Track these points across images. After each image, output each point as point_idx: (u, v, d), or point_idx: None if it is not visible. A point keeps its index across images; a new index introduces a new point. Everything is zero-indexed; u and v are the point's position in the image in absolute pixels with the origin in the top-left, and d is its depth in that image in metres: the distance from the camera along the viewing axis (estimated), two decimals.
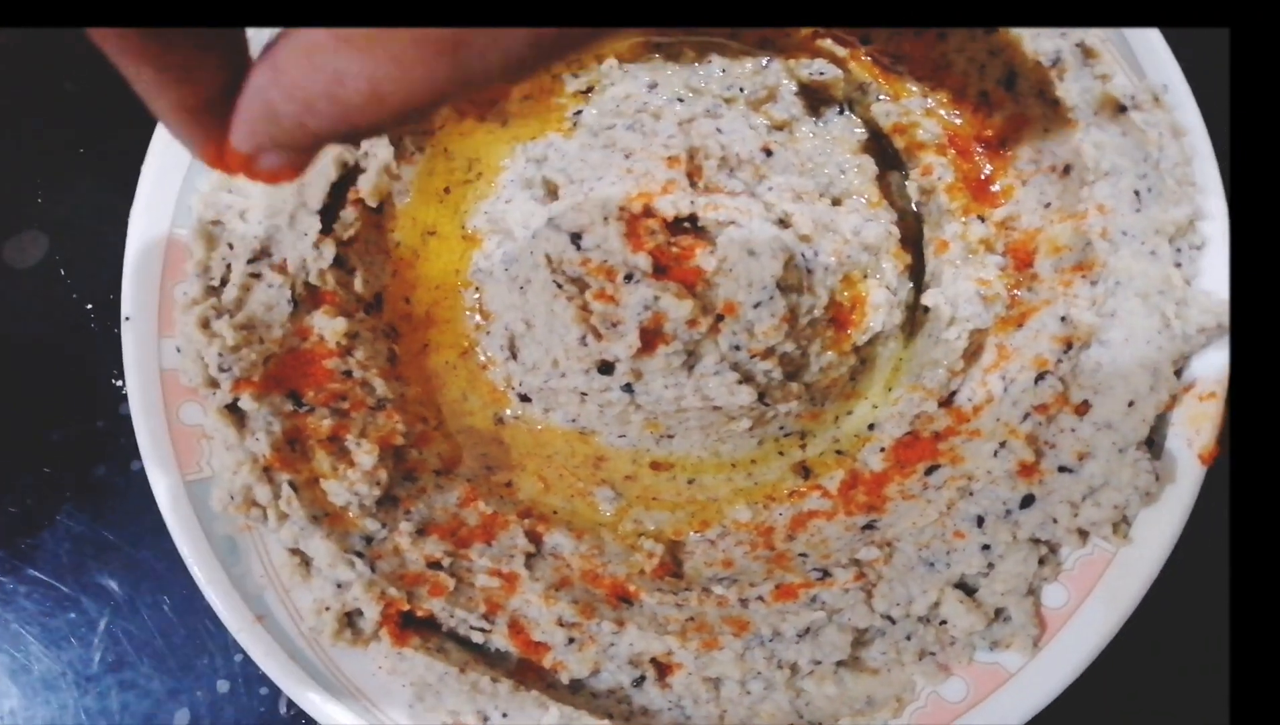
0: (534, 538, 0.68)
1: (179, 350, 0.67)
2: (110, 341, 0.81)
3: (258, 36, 0.36)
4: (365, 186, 0.70)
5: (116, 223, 0.69)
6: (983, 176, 0.69)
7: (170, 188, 0.70)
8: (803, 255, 0.64)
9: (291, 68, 0.32)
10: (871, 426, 0.70)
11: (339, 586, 0.64)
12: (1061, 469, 0.63)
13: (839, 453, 0.70)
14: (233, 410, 0.66)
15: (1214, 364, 0.63)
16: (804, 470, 0.71)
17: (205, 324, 0.66)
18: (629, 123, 0.71)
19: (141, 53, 0.33)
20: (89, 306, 0.83)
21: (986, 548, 0.62)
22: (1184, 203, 0.64)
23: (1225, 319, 0.62)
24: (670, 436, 0.70)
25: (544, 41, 0.30)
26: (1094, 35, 0.66)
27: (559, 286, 0.66)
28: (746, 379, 0.64)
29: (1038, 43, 0.67)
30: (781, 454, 0.71)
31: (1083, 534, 0.62)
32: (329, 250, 0.68)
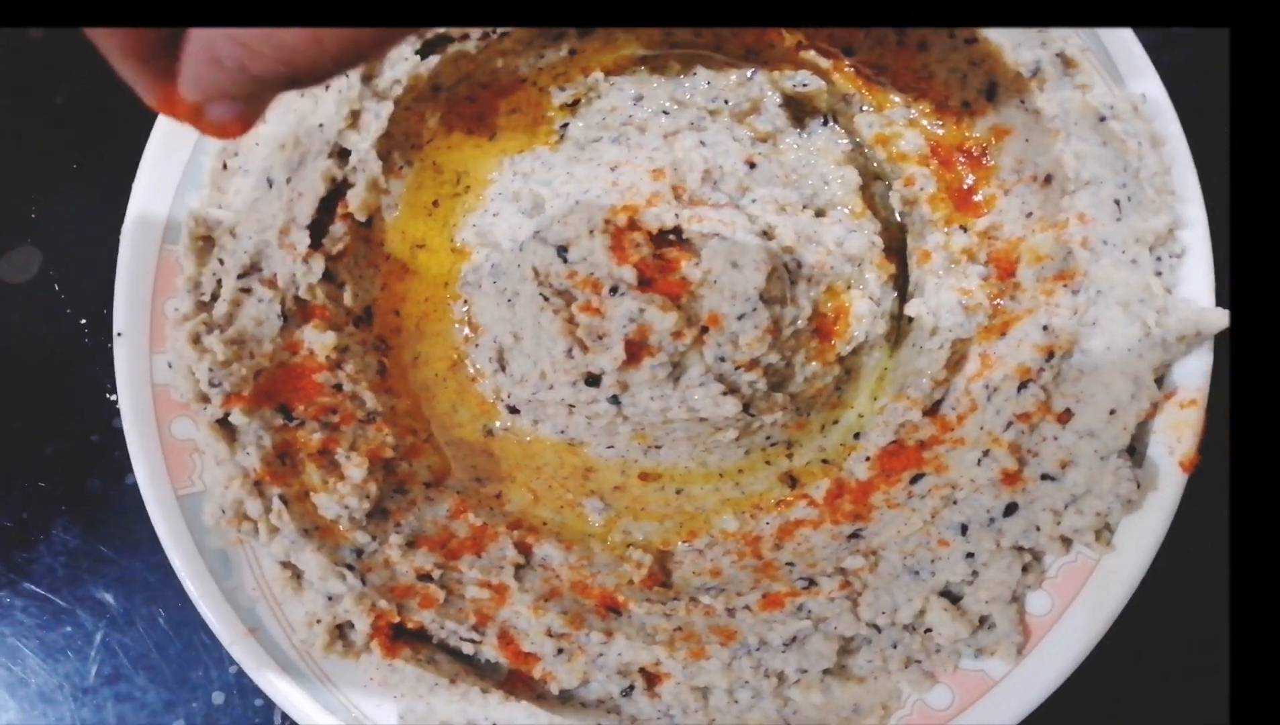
0: (523, 549, 0.68)
1: (170, 366, 0.68)
2: (104, 355, 0.82)
3: None
4: (354, 201, 0.71)
5: (109, 237, 0.70)
6: (965, 186, 0.70)
7: (161, 204, 0.70)
8: (786, 267, 0.65)
9: None
10: (857, 435, 0.71)
11: (330, 599, 0.64)
12: (1044, 477, 0.63)
13: (825, 462, 0.71)
14: (224, 425, 0.67)
15: (1195, 371, 0.63)
16: (791, 480, 0.71)
17: (196, 339, 0.67)
18: (614, 136, 0.72)
19: None
20: (83, 321, 0.84)
21: (971, 556, 0.63)
22: (1164, 211, 0.64)
23: (1205, 327, 0.62)
24: (658, 447, 0.70)
25: None
26: (1073, 45, 0.66)
27: (545, 299, 0.67)
28: (731, 390, 0.65)
29: (1018, 53, 0.67)
30: (768, 463, 0.71)
31: (1066, 541, 0.63)
32: (318, 265, 0.69)
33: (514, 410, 0.72)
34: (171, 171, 0.70)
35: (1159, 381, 0.63)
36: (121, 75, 0.38)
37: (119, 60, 0.37)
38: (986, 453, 0.65)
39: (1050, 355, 0.65)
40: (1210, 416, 0.63)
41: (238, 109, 0.37)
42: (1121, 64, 0.67)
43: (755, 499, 0.71)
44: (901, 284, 0.71)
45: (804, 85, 0.72)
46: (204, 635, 0.76)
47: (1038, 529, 0.62)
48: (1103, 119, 0.65)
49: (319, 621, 0.64)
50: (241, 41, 0.33)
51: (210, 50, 0.34)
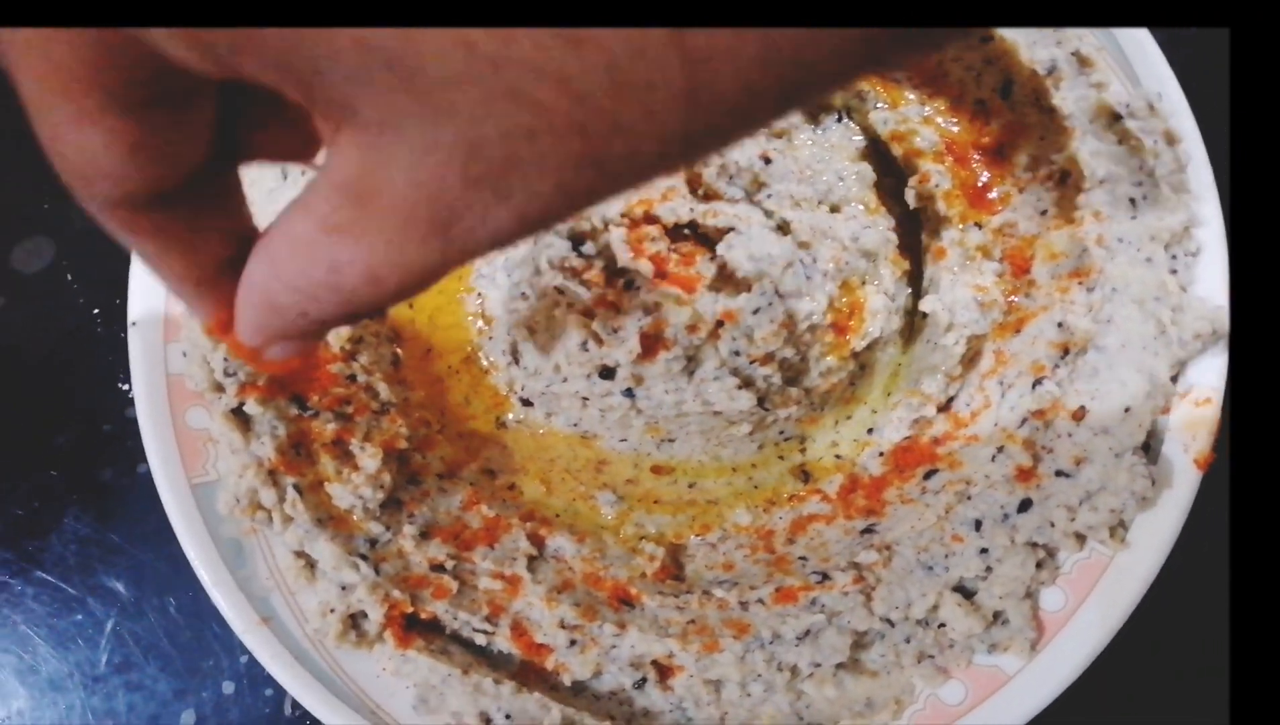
0: (536, 541, 0.68)
1: (185, 355, 0.68)
2: (116, 345, 0.82)
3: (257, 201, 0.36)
4: None
5: None
6: (980, 183, 0.70)
7: None
8: (801, 262, 0.65)
9: (288, 261, 0.32)
10: (870, 431, 0.71)
11: (343, 589, 0.64)
12: (1059, 474, 0.63)
13: (838, 457, 0.71)
14: (238, 414, 0.67)
15: (1210, 370, 0.63)
16: (803, 474, 0.71)
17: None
18: None
19: (142, 226, 0.33)
20: (95, 311, 0.84)
21: (984, 551, 0.63)
22: (1179, 209, 0.64)
23: (1221, 325, 0.62)
24: (671, 440, 0.70)
25: (529, 218, 0.28)
26: (1088, 44, 0.67)
27: (560, 292, 0.67)
28: (746, 384, 0.65)
29: (1033, 51, 0.67)
30: (781, 458, 0.71)
31: (1080, 538, 0.63)
32: None
33: (527, 403, 0.72)
34: None
35: (1174, 379, 0.63)
36: (181, 300, 0.37)
37: (175, 287, 0.36)
38: (1001, 449, 0.65)
39: (1065, 352, 0.65)
40: (1226, 415, 0.63)
41: (297, 347, 0.36)
42: (1136, 62, 0.67)
43: (768, 493, 0.71)
44: (916, 280, 0.71)
45: None
46: (215, 625, 0.77)
47: (1052, 525, 0.62)
48: (1118, 117, 0.66)
49: (332, 611, 0.64)
50: (302, 290, 0.32)
51: (268, 300, 0.33)
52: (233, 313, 0.36)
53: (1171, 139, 0.65)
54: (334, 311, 0.32)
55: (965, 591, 0.64)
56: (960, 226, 0.69)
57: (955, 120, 0.71)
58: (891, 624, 0.63)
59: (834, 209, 0.70)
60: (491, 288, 0.73)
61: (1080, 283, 0.65)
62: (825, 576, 0.64)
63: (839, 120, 0.74)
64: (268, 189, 0.71)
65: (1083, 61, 0.67)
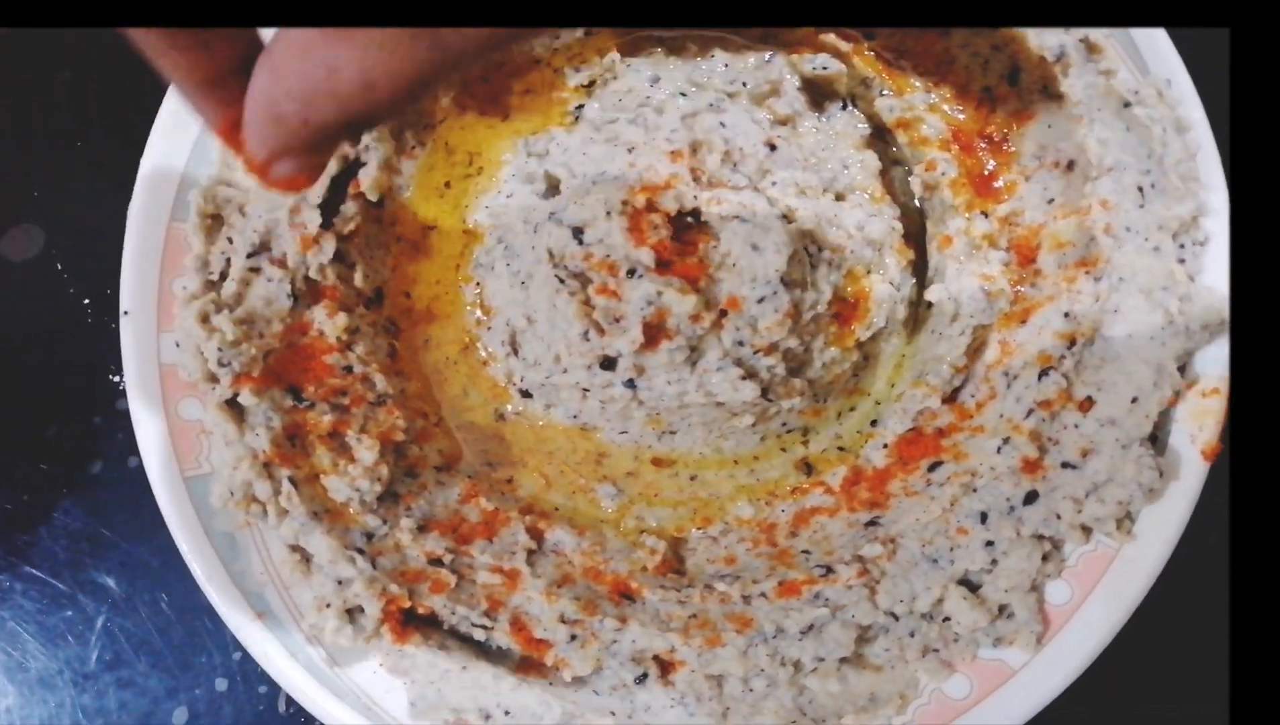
0: (535, 534, 0.67)
1: (178, 345, 0.66)
2: (107, 336, 0.81)
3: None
4: (366, 180, 0.69)
5: (113, 217, 0.69)
6: (986, 172, 0.69)
7: (169, 181, 0.69)
8: (806, 250, 0.64)
9: (288, 66, 0.34)
10: (874, 422, 0.70)
11: (340, 583, 0.63)
12: (1065, 465, 0.63)
13: (841, 449, 0.70)
14: (232, 406, 0.65)
15: (1217, 360, 0.63)
16: (806, 467, 0.70)
17: (205, 318, 0.66)
18: (631, 117, 0.71)
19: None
20: (86, 301, 0.82)
21: (990, 544, 0.62)
22: (1187, 199, 0.64)
23: (1228, 315, 0.62)
24: (672, 432, 0.69)
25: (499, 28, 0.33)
26: (1098, 31, 0.66)
27: (561, 281, 0.66)
28: (750, 375, 0.64)
29: (1042, 38, 0.67)
30: (784, 450, 0.71)
31: (1086, 530, 0.62)
32: (329, 244, 0.68)
33: (526, 394, 0.71)
34: (180, 148, 0.69)
35: (1181, 370, 0.63)
36: (184, 100, 0.39)
37: (184, 87, 0.38)
38: (1007, 440, 0.64)
39: (1072, 342, 0.64)
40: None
41: (302, 163, 0.38)
42: (1145, 49, 0.66)
43: (770, 486, 0.70)
44: (921, 269, 0.71)
45: (824, 68, 0.71)
46: (207, 620, 0.75)
47: (1058, 517, 0.62)
48: (1127, 105, 0.65)
49: (328, 606, 0.63)
50: (300, 95, 0.35)
51: (272, 108, 0.36)
52: (237, 121, 0.38)
53: (1181, 127, 0.64)
54: (331, 117, 0.35)
55: (970, 585, 0.63)
56: (966, 215, 0.68)
57: (961, 108, 0.70)
58: (896, 618, 0.63)
59: (839, 197, 0.69)
60: (490, 277, 0.72)
61: (1087, 272, 0.65)
62: (829, 570, 0.64)
63: (844, 107, 0.73)
64: None
65: (1091, 48, 0.66)
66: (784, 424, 0.70)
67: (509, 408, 0.72)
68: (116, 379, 0.80)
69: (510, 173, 0.74)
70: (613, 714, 0.62)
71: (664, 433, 0.69)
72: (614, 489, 0.70)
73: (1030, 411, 0.64)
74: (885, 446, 0.68)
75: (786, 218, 0.65)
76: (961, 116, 0.70)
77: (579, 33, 0.74)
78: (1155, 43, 0.66)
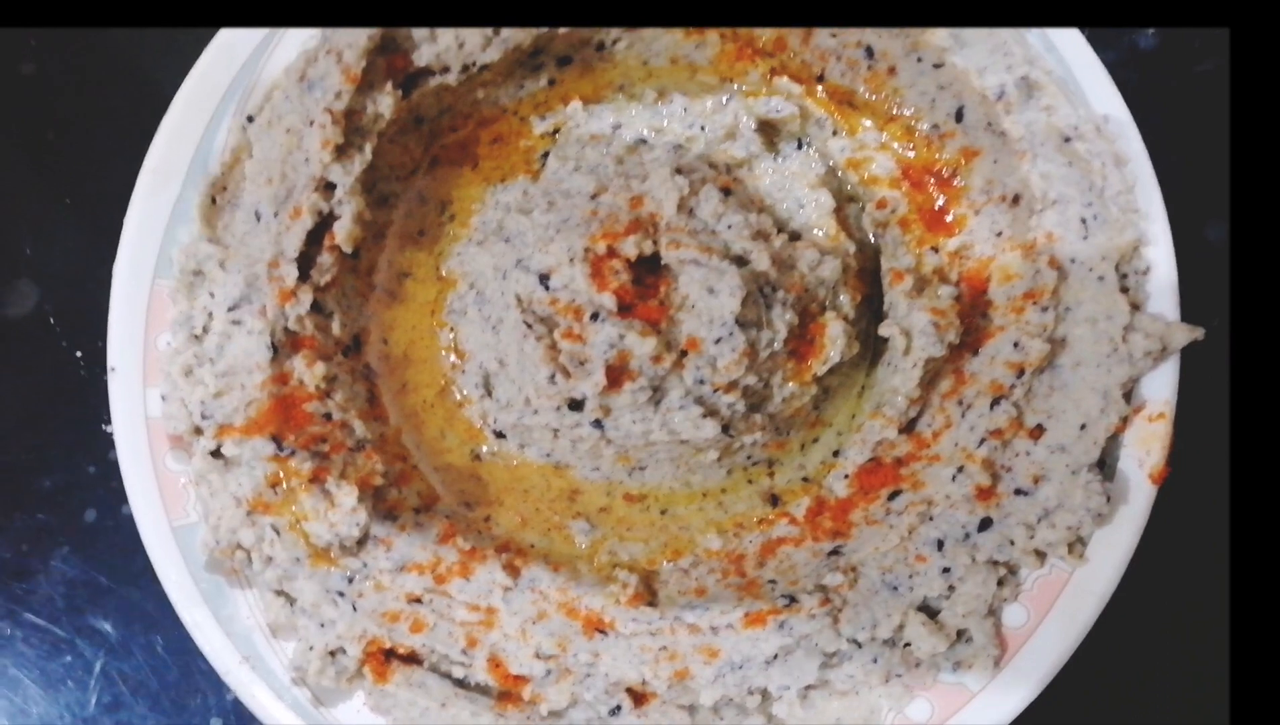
0: (512, 572, 0.70)
1: (164, 398, 0.69)
2: (99, 388, 0.83)
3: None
4: (340, 233, 0.72)
5: (104, 271, 0.71)
6: (936, 207, 0.71)
7: (153, 240, 0.72)
8: (761, 291, 0.66)
9: None
10: (836, 453, 0.72)
11: (323, 626, 0.66)
12: (1017, 492, 0.65)
13: (806, 480, 0.73)
14: (216, 456, 0.68)
15: (1162, 385, 0.65)
16: (773, 498, 0.73)
17: (188, 372, 0.69)
18: (594, 165, 0.73)
19: None
20: (78, 353, 0.85)
21: (947, 571, 0.64)
22: (1128, 229, 0.66)
23: (1171, 342, 0.64)
24: (642, 468, 0.72)
25: None
26: (1038, 69, 0.68)
27: (528, 326, 0.68)
28: (711, 412, 0.67)
29: (984, 77, 0.69)
30: (750, 483, 0.73)
31: (1040, 555, 0.64)
32: (306, 296, 0.71)
33: (500, 435, 0.73)
34: (161, 208, 0.72)
35: (1127, 396, 0.65)
36: None
37: None
38: (961, 469, 0.66)
39: (1021, 372, 0.66)
40: (1178, 429, 0.65)
41: None
42: (1085, 86, 0.68)
43: (738, 518, 0.72)
44: (877, 304, 0.73)
45: (777, 111, 0.73)
46: (202, 662, 0.77)
47: (1012, 543, 0.64)
48: (1067, 140, 0.67)
49: (311, 648, 0.65)
50: None
51: None
52: None
53: (1119, 160, 0.66)
54: None
55: (930, 610, 0.65)
56: (917, 251, 0.70)
57: (911, 145, 0.72)
58: (859, 644, 0.65)
59: (794, 236, 0.71)
60: (463, 322, 0.74)
61: (1034, 303, 0.67)
62: (793, 599, 0.66)
63: (798, 148, 0.75)
64: None
65: (1032, 86, 0.68)
66: (749, 457, 0.72)
67: (485, 448, 0.74)
68: (109, 429, 0.82)
69: (481, 221, 0.76)
70: None
71: (634, 469, 0.72)
72: (587, 525, 0.73)
73: (983, 440, 0.66)
74: (847, 476, 0.70)
75: (741, 260, 0.67)
76: (911, 154, 0.72)
77: (544, 81, 0.77)
78: (1094, 79, 0.68)
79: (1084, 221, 0.67)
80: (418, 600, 0.67)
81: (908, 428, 0.70)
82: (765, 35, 0.74)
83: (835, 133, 0.74)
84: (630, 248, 0.67)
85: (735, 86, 0.75)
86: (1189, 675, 0.73)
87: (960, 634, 0.64)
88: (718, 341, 0.65)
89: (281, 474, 0.69)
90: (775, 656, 0.64)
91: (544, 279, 0.68)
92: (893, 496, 0.69)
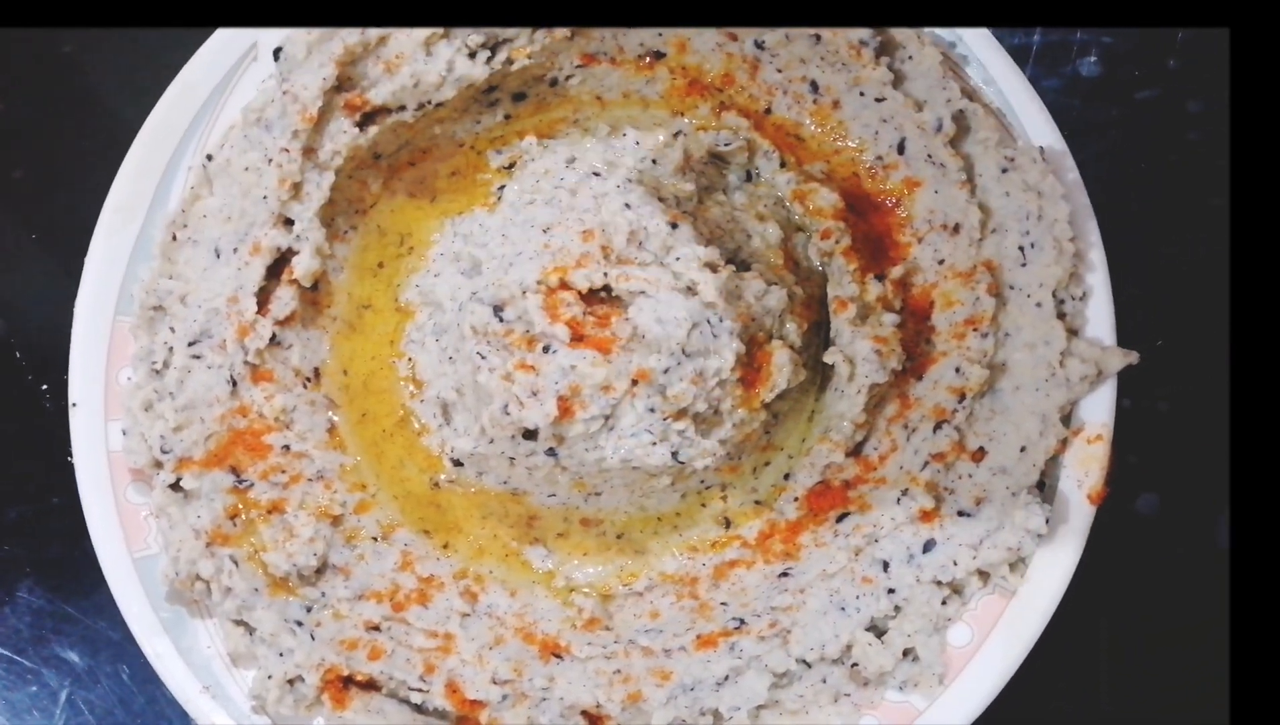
0: (470, 598, 0.71)
1: (125, 433, 0.70)
2: (64, 419, 0.84)
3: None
4: (299, 267, 0.73)
5: (68, 305, 0.73)
6: (880, 237, 0.73)
7: (114, 277, 0.73)
8: (709, 321, 0.68)
9: None
10: (787, 476, 0.74)
11: (281, 655, 0.67)
12: (960, 513, 0.67)
13: (758, 503, 0.74)
14: (176, 489, 0.69)
15: (1100, 408, 0.67)
16: (726, 521, 0.74)
17: (148, 407, 0.70)
18: (547, 198, 0.75)
19: None
20: (44, 387, 0.86)
21: (893, 591, 0.66)
22: (1066, 256, 0.68)
23: (1107, 366, 0.66)
24: (598, 494, 0.73)
25: None
26: (977, 102, 0.70)
27: (483, 357, 0.70)
28: (662, 439, 0.68)
29: (926, 111, 0.71)
30: (704, 506, 0.74)
31: (983, 575, 0.66)
32: (265, 330, 0.72)
33: (458, 463, 0.74)
34: (123, 245, 0.73)
35: (1065, 420, 0.67)
36: None
37: None
38: (905, 491, 0.68)
39: (962, 397, 0.68)
40: (1115, 451, 0.66)
41: None
42: (1023, 117, 0.70)
43: (692, 541, 0.74)
44: (827, 330, 0.75)
45: (726, 144, 0.75)
46: (167, 690, 0.78)
47: (955, 564, 0.66)
48: (1005, 170, 0.69)
49: (270, 677, 0.66)
50: None
51: None
52: None
53: (1055, 189, 0.68)
54: None
55: (877, 630, 0.66)
56: (860, 280, 0.72)
57: (855, 176, 0.74)
58: (808, 665, 0.66)
59: (743, 266, 0.73)
60: (421, 352, 0.76)
61: (975, 329, 0.69)
62: (742, 622, 0.67)
63: (747, 180, 0.77)
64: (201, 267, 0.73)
65: (972, 119, 0.70)
66: (702, 482, 0.73)
67: (443, 476, 0.75)
68: (74, 461, 0.83)
69: (439, 252, 0.78)
70: None
71: (589, 494, 0.73)
72: (545, 550, 0.74)
73: (926, 463, 0.68)
74: (796, 499, 0.72)
75: (690, 290, 0.69)
76: (856, 186, 0.74)
77: (499, 116, 0.79)
78: (1031, 111, 0.70)
79: (1022, 249, 0.69)
80: (376, 628, 0.68)
81: (855, 451, 0.72)
82: (713, 70, 0.76)
83: (782, 165, 0.76)
84: (582, 280, 0.69)
85: (685, 120, 0.77)
86: (1139, 684, 0.75)
87: (907, 653, 0.65)
88: (666, 371, 0.67)
89: (240, 506, 0.70)
90: (726, 678, 0.66)
91: (498, 310, 0.70)
92: (841, 518, 0.70)
